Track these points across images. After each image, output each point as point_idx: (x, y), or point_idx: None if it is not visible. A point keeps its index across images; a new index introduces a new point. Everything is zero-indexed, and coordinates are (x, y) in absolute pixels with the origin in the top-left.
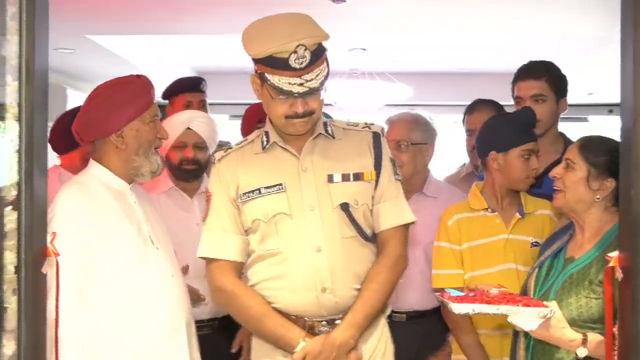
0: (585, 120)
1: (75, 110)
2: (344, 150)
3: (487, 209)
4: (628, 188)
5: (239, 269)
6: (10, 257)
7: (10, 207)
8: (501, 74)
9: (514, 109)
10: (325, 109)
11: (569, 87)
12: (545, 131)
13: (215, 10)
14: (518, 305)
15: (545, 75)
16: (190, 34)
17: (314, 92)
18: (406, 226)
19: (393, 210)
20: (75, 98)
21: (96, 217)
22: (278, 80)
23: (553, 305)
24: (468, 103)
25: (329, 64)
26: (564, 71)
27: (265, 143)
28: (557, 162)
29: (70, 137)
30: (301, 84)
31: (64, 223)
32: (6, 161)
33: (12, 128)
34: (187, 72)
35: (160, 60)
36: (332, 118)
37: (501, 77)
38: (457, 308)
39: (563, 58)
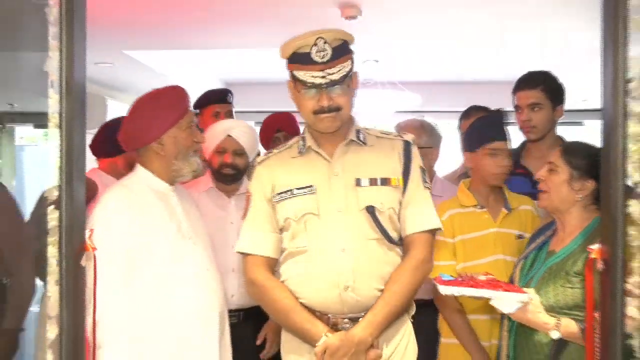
0: (580, 124)
1: (116, 120)
2: (373, 156)
3: (476, 205)
4: (608, 188)
5: (272, 265)
6: (52, 252)
7: (52, 207)
8: (502, 82)
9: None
10: None
11: (567, 95)
12: (542, 136)
13: (241, 27)
14: (499, 290)
15: (541, 85)
16: (219, 49)
17: (336, 84)
18: (432, 232)
19: (419, 215)
20: (115, 107)
21: (139, 215)
22: (303, 74)
23: (531, 292)
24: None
25: (353, 64)
26: (561, 79)
27: (301, 147)
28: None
29: (111, 143)
30: (323, 77)
31: (110, 219)
32: (49, 165)
33: (54, 136)
34: (216, 84)
35: (191, 73)
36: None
37: (502, 85)
38: (444, 289)
39: (561, 68)
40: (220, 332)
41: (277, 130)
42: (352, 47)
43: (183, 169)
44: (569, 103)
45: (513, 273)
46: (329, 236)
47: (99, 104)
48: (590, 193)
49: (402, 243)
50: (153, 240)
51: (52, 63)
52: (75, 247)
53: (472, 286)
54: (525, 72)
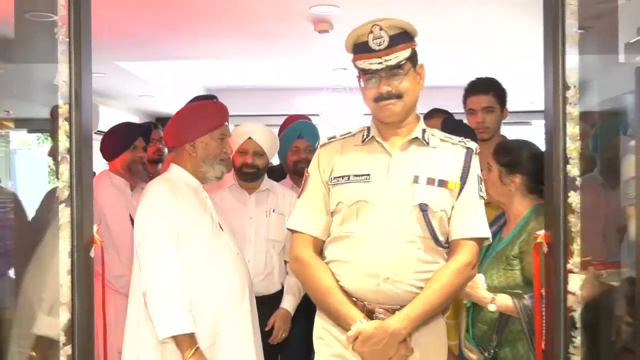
0: (529, 124)
1: (116, 127)
2: (435, 157)
3: None
4: (551, 181)
5: (319, 246)
6: (64, 245)
7: (63, 205)
8: (456, 87)
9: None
10: (312, 119)
11: (517, 97)
12: (492, 135)
13: (221, 40)
14: None
15: (492, 90)
16: (201, 59)
17: (393, 68)
18: (480, 240)
19: (469, 222)
20: (106, 113)
21: (181, 202)
22: (362, 62)
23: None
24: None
25: (415, 54)
26: (512, 83)
27: (365, 137)
28: None
29: (114, 147)
30: (379, 63)
31: (157, 206)
32: (60, 168)
33: (64, 142)
34: (199, 91)
35: (177, 81)
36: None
37: (457, 90)
38: None
39: (512, 73)
40: (251, 309)
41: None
42: (415, 37)
43: (208, 173)
44: (520, 105)
45: None
46: (377, 226)
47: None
48: (523, 185)
49: (448, 247)
50: (194, 224)
51: (61, 76)
52: (85, 240)
53: None
54: (472, 79)
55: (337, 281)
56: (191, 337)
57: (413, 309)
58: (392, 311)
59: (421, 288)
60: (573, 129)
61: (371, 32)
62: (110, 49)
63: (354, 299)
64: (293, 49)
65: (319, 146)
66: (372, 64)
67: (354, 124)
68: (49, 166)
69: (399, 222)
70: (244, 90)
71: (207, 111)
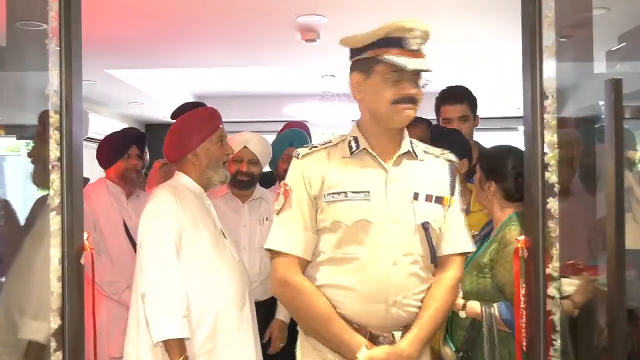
0: (516, 129)
1: (111, 136)
2: (427, 172)
3: None
4: (530, 188)
5: (304, 266)
6: (54, 252)
7: (54, 212)
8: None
9: None
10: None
11: (503, 103)
12: None
13: (210, 48)
14: None
15: (465, 99)
16: (190, 67)
17: (424, 71)
18: (465, 254)
19: (459, 237)
20: (96, 120)
21: (185, 208)
22: (396, 58)
23: None
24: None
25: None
26: (500, 91)
27: (354, 148)
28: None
29: (108, 156)
30: (420, 64)
31: (161, 211)
32: (50, 176)
33: (54, 150)
34: (188, 97)
35: (166, 88)
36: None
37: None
38: None
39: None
40: (252, 313)
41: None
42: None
43: (213, 178)
44: (506, 111)
45: None
46: (382, 247)
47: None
48: (499, 192)
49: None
50: (197, 230)
51: (52, 87)
52: (76, 247)
53: None
54: (444, 88)
55: (334, 307)
56: (181, 343)
57: (421, 330)
58: (392, 334)
59: (419, 307)
60: (551, 137)
61: (411, 29)
62: (100, 57)
63: (355, 325)
64: (280, 57)
65: (298, 156)
66: (409, 62)
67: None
68: (30, 170)
69: (404, 243)
70: (233, 97)
71: (200, 118)
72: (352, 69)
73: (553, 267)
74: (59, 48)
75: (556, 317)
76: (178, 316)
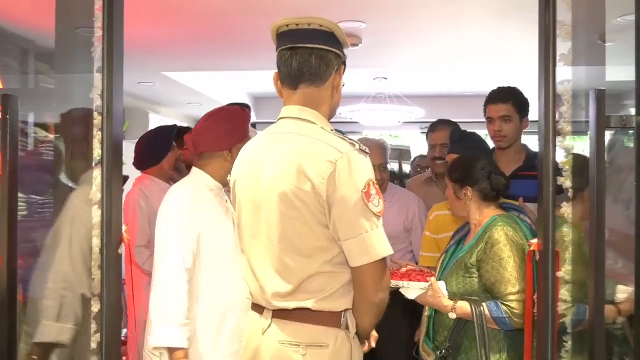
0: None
1: (154, 134)
2: None
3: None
4: (541, 192)
5: None
6: (96, 242)
7: (96, 206)
8: (476, 95)
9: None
10: (351, 126)
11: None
12: (510, 144)
13: (257, 52)
14: (404, 280)
15: (511, 99)
16: (239, 70)
17: None
18: None
19: None
20: (155, 120)
21: (203, 208)
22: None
23: (432, 280)
24: (468, 120)
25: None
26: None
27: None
28: (520, 169)
29: (160, 150)
30: None
31: (176, 212)
32: (94, 173)
33: (97, 149)
34: (244, 97)
35: (222, 89)
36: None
37: (476, 98)
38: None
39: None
40: None
41: None
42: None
43: None
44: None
45: (438, 264)
46: None
47: (142, 117)
48: (475, 195)
49: None
50: (216, 228)
51: (97, 90)
52: (114, 238)
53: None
54: (494, 88)
55: None
56: (182, 350)
57: None
58: None
59: None
60: (566, 142)
61: None
62: (157, 60)
63: None
64: None
65: (367, 152)
66: None
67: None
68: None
69: None
70: None
71: (240, 119)
72: (338, 61)
73: (565, 270)
74: (102, 57)
75: (567, 320)
76: (175, 325)
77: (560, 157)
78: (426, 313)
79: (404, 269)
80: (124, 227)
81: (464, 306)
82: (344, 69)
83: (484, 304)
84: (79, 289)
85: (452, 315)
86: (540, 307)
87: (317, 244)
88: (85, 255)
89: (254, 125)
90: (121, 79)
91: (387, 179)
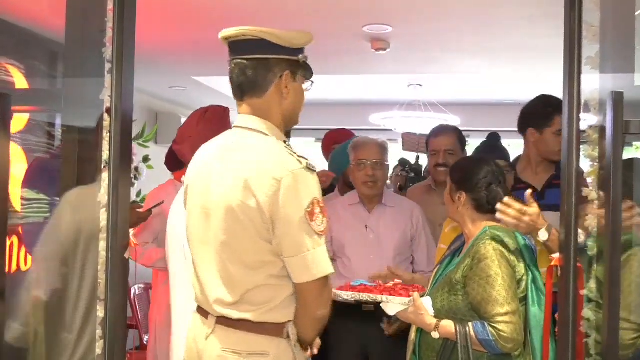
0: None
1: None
2: None
3: None
4: (564, 204)
5: None
6: (102, 246)
7: (104, 209)
8: (520, 103)
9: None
10: (385, 134)
11: None
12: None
13: (312, 56)
14: (384, 295)
15: (558, 113)
16: None
17: None
18: None
19: None
20: None
21: None
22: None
23: (415, 295)
24: (503, 129)
25: None
26: None
27: None
28: (554, 177)
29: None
30: None
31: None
32: (102, 175)
33: (106, 152)
34: None
35: None
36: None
37: (514, 106)
38: (340, 295)
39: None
40: None
41: (335, 143)
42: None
43: None
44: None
45: (431, 277)
46: None
47: (173, 122)
48: (469, 203)
49: None
50: None
51: (107, 92)
52: (120, 242)
53: (364, 291)
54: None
55: None
56: None
57: None
58: None
59: None
60: (592, 151)
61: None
62: (186, 65)
63: None
64: (353, 65)
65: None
66: None
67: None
68: None
69: None
70: (321, 104)
71: (228, 115)
72: (282, 66)
73: (589, 288)
74: (112, 58)
75: (590, 340)
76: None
77: (585, 167)
78: (413, 331)
79: (391, 283)
80: (131, 232)
81: (447, 325)
82: (303, 71)
83: (470, 324)
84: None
85: (435, 335)
86: (561, 327)
87: (262, 258)
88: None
89: (288, 132)
90: (131, 81)
91: (381, 178)
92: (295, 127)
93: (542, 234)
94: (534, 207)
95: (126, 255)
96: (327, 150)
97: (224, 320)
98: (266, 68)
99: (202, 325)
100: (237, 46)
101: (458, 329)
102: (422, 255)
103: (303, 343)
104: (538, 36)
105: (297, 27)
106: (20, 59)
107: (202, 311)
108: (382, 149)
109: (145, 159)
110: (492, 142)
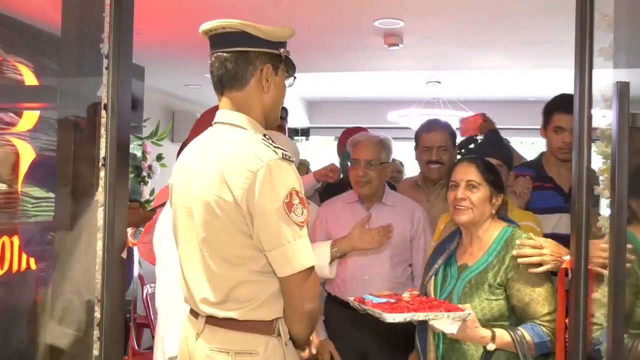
0: None
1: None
2: None
3: None
4: (574, 203)
5: None
6: (99, 245)
7: (102, 208)
8: (538, 100)
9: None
10: (404, 132)
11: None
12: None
13: (312, 52)
14: (440, 311)
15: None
16: (308, 72)
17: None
18: None
19: None
20: None
21: None
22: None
23: (467, 307)
24: (524, 127)
25: None
26: None
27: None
28: None
29: None
30: None
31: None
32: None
33: (103, 149)
34: (299, 102)
35: None
36: None
37: (538, 103)
38: (391, 317)
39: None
40: None
41: None
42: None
43: None
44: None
45: (424, 289)
46: None
47: (188, 120)
48: (499, 206)
49: None
50: None
51: (104, 89)
52: (117, 242)
53: (415, 310)
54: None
55: None
56: None
57: None
58: None
59: None
60: (605, 147)
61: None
62: (203, 63)
63: None
64: (365, 61)
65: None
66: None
67: None
68: None
69: None
70: (342, 103)
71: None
72: (263, 59)
73: (602, 292)
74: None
75: (603, 347)
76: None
77: (598, 164)
78: (432, 348)
79: (406, 294)
80: (129, 231)
81: (503, 335)
82: (285, 66)
83: (520, 328)
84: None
85: (491, 347)
86: (571, 332)
87: (242, 253)
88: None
89: (307, 130)
90: (129, 77)
91: (376, 177)
92: (314, 125)
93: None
94: (548, 245)
95: (123, 255)
96: (342, 148)
97: (211, 320)
98: (246, 61)
99: (193, 325)
100: (217, 39)
101: (514, 337)
102: (418, 258)
103: (297, 342)
104: (555, 28)
105: (308, 23)
106: (30, 56)
107: (193, 312)
108: (379, 148)
109: (159, 158)
110: (493, 139)
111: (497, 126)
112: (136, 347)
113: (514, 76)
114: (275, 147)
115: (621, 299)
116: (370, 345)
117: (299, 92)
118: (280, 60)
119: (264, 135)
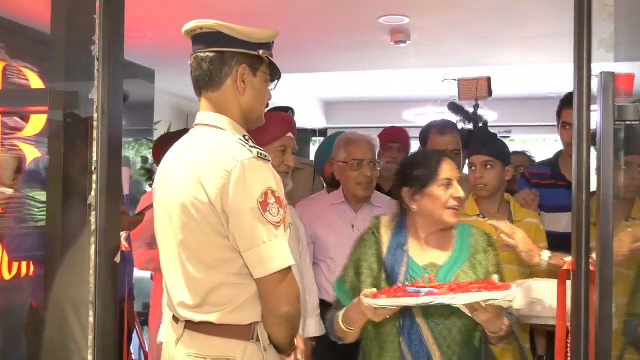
0: None
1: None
2: None
3: (478, 214)
4: (575, 202)
5: None
6: (92, 249)
7: (95, 212)
8: (555, 97)
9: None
10: (419, 131)
11: None
12: None
13: (327, 51)
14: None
15: None
16: (310, 72)
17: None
18: None
19: None
20: None
21: None
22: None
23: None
24: (541, 124)
25: None
26: None
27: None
28: None
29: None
30: None
31: None
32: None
33: (96, 152)
34: (316, 103)
35: (294, 94)
36: None
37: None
38: (459, 298)
39: None
40: None
41: (393, 141)
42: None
43: None
44: None
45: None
46: None
47: None
48: None
49: None
50: None
51: (95, 92)
52: (109, 246)
53: (479, 289)
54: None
55: None
56: None
57: None
58: None
59: None
60: None
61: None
62: None
63: None
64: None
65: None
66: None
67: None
68: None
69: None
70: (358, 102)
71: (268, 122)
72: (239, 60)
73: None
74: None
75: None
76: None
77: None
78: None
79: (421, 283)
80: (123, 235)
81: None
82: (266, 68)
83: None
84: None
85: (546, 256)
86: (574, 334)
87: (219, 255)
88: None
89: (325, 131)
90: (120, 78)
91: (375, 178)
92: (330, 125)
93: (545, 254)
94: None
95: (116, 259)
96: (383, 145)
97: (189, 325)
98: (221, 61)
99: (173, 330)
100: (196, 40)
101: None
102: None
103: (279, 347)
104: (566, 20)
105: (313, 22)
106: (34, 61)
107: (174, 316)
108: (375, 147)
109: None
110: (483, 136)
111: (514, 123)
112: (146, 349)
113: (533, 72)
114: (251, 146)
115: (608, 299)
116: None
117: (316, 93)
118: (260, 62)
119: (243, 135)
